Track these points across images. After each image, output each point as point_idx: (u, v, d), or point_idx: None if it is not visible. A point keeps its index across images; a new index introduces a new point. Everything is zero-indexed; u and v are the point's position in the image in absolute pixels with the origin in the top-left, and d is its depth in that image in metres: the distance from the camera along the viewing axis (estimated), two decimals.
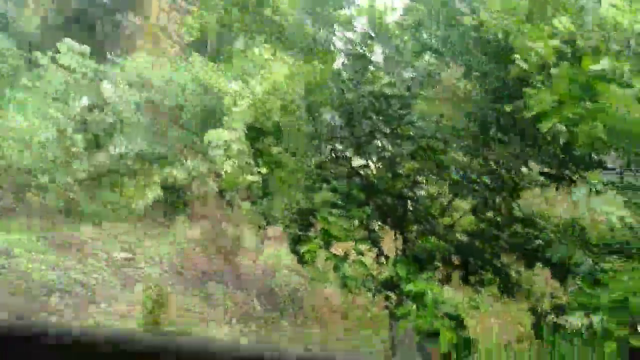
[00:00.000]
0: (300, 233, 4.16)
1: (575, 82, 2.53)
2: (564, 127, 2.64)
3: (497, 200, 5.19)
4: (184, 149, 12.90)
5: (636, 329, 2.90)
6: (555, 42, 2.75)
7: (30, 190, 11.44)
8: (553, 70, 2.72)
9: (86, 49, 11.98)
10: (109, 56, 17.21)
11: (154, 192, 11.68)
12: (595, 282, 3.05)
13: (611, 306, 2.84)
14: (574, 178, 4.84)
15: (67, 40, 11.58)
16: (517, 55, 2.90)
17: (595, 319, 2.87)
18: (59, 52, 11.71)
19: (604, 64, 2.51)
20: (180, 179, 11.88)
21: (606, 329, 2.84)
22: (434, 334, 3.81)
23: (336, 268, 3.55)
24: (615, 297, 2.89)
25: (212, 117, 12.86)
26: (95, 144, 12.43)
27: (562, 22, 2.93)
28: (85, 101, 11.68)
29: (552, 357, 3.67)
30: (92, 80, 12.26)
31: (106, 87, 12.30)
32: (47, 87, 11.38)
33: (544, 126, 2.63)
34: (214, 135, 10.63)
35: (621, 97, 2.43)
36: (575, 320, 3.79)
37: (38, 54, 11.44)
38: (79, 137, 11.43)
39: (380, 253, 4.90)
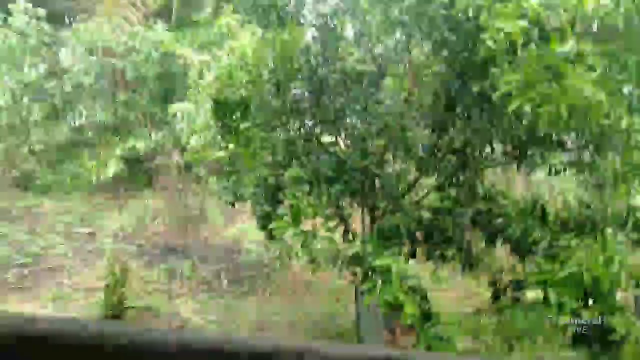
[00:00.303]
0: (268, 210, 4.14)
1: (542, 64, 2.58)
2: (528, 108, 2.70)
3: (461, 178, 5.31)
4: (146, 120, 12.54)
5: (587, 303, 3.06)
6: (524, 23, 2.78)
7: None
8: (521, 52, 2.76)
9: (42, 11, 11.33)
10: (66, 21, 16.35)
11: (115, 165, 11.37)
12: (552, 258, 3.19)
13: (566, 281, 2.98)
14: (535, 158, 5.00)
15: (21, 1, 10.91)
16: (486, 35, 2.92)
17: (551, 293, 3.01)
18: (11, 15, 11.02)
19: (571, 46, 2.57)
20: (142, 151, 11.58)
21: (561, 303, 2.99)
22: (398, 307, 3.91)
23: (305, 244, 3.57)
24: (571, 272, 3.03)
25: (177, 88, 12.48)
26: (54, 114, 11.90)
27: (530, 3, 2.96)
28: (41, 68, 11.12)
29: (509, 328, 3.84)
30: (49, 46, 11.64)
31: (64, 54, 11.72)
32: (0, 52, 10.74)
33: (511, 106, 2.69)
34: (179, 108, 10.36)
35: (585, 79, 2.50)
36: (532, 294, 3.98)
37: None
38: (36, 106, 10.91)
39: (348, 229, 4.95)
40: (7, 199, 10.50)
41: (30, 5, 11.01)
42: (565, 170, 5.02)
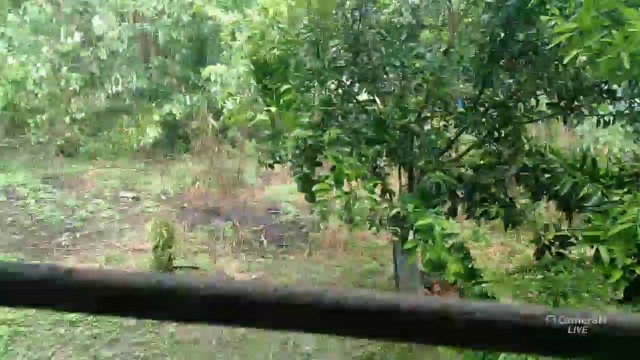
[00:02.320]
0: (308, 172, 4.15)
1: (600, 10, 2.40)
2: (584, 58, 2.54)
3: (504, 133, 5.14)
4: (181, 85, 12.62)
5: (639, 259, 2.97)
6: None
7: (29, 129, 11.33)
8: None
9: None
10: None
11: (153, 130, 11.60)
12: (604, 214, 3.09)
13: (619, 237, 2.89)
14: (583, 110, 4.77)
15: None
16: None
17: (603, 249, 2.92)
18: None
19: None
20: (179, 115, 11.74)
21: (613, 259, 2.91)
22: (441, 266, 3.90)
23: (347, 205, 3.57)
24: (623, 228, 2.93)
25: (208, 51, 12.43)
26: (92, 82, 12.14)
27: None
28: (77, 37, 11.25)
29: (554, 284, 3.78)
30: (82, 15, 11.74)
31: (97, 22, 11.80)
32: (35, 22, 10.91)
33: (567, 58, 2.53)
34: (212, 71, 10.34)
35: None
36: (578, 250, 3.89)
37: None
38: (74, 75, 11.15)
39: (386, 189, 4.92)
40: (54, 167, 10.95)
41: None
42: (614, 122, 4.77)
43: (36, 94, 11.12)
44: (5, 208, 8.83)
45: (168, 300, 0.45)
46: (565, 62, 2.72)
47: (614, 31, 2.28)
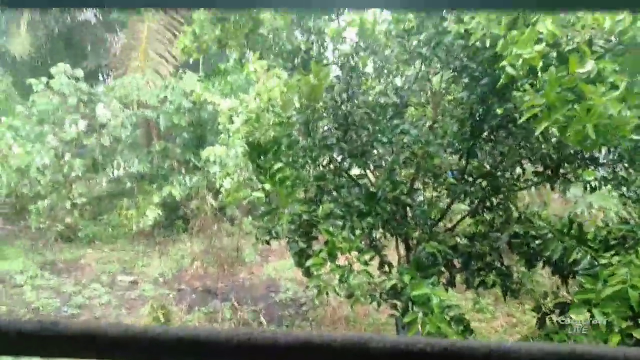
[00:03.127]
0: (304, 246, 4.21)
1: (563, 86, 2.62)
2: (555, 129, 2.73)
3: (495, 202, 5.27)
4: (181, 167, 12.96)
5: (636, 322, 2.96)
6: (541, 47, 2.84)
7: (29, 215, 11.46)
8: (542, 76, 2.81)
9: (79, 72, 12.08)
10: (101, 78, 17.26)
11: (153, 212, 11.72)
12: (595, 277, 3.12)
13: (611, 300, 2.91)
14: (568, 176, 4.94)
15: (61, 65, 11.69)
16: (505, 62, 2.99)
17: (597, 313, 2.93)
18: (52, 78, 11.78)
19: (589, 66, 2.60)
20: (178, 196, 11.93)
21: (609, 322, 2.90)
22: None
23: (342, 279, 3.60)
24: (615, 290, 2.96)
25: (207, 134, 12.94)
26: (94, 167, 12.46)
27: (546, 26, 3.02)
28: (81, 125, 11.75)
29: None
30: (86, 103, 12.33)
31: (101, 110, 12.37)
32: (42, 113, 11.45)
33: (537, 130, 2.72)
34: (211, 153, 10.69)
35: (607, 98, 2.52)
36: (579, 316, 3.86)
37: (32, 80, 11.53)
38: (77, 162, 11.49)
39: (384, 261, 4.95)
40: (53, 252, 10.95)
41: (68, 67, 11.76)
42: (600, 187, 4.93)
43: (39, 181, 11.39)
44: (2, 297, 8.71)
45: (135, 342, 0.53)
46: (536, 134, 2.91)
47: (576, 106, 2.48)
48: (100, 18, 16.67)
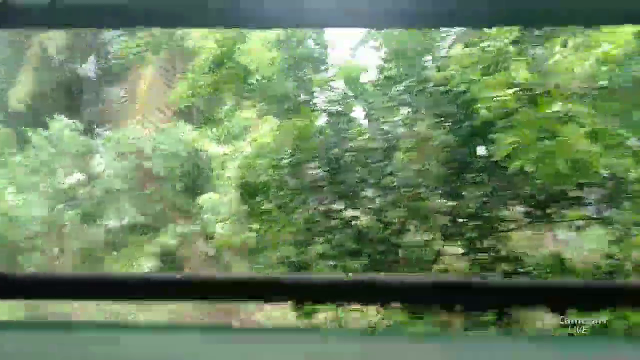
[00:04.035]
0: None
1: (534, 126, 2.78)
2: (529, 167, 2.87)
3: (485, 243, 5.32)
4: (175, 213, 12.96)
5: None
6: (513, 91, 3.03)
7: (18, 266, 11.32)
8: (514, 117, 2.99)
9: (77, 124, 12.32)
10: (97, 130, 17.56)
11: (148, 262, 11.62)
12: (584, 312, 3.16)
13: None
14: (553, 217, 5.03)
15: (58, 117, 11.94)
16: (480, 105, 3.17)
17: None
18: (48, 129, 11.99)
19: (558, 106, 2.78)
20: (173, 244, 11.89)
21: None
22: None
23: (337, 321, 3.62)
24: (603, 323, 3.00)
25: (202, 181, 13.03)
26: (88, 218, 12.46)
27: (519, 72, 3.24)
28: (77, 177, 11.86)
29: None
30: (82, 155, 12.49)
31: (97, 162, 12.53)
32: (38, 164, 11.58)
33: (511, 167, 2.86)
34: (206, 199, 10.76)
35: (577, 135, 2.68)
36: None
37: (29, 131, 11.74)
38: (70, 213, 11.50)
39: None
40: (44, 306, 10.72)
41: (65, 118, 12.03)
42: (585, 227, 5.03)
43: (30, 235, 11.34)
44: None
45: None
46: (510, 170, 3.05)
47: (548, 142, 2.63)
48: (100, 72, 17.18)
